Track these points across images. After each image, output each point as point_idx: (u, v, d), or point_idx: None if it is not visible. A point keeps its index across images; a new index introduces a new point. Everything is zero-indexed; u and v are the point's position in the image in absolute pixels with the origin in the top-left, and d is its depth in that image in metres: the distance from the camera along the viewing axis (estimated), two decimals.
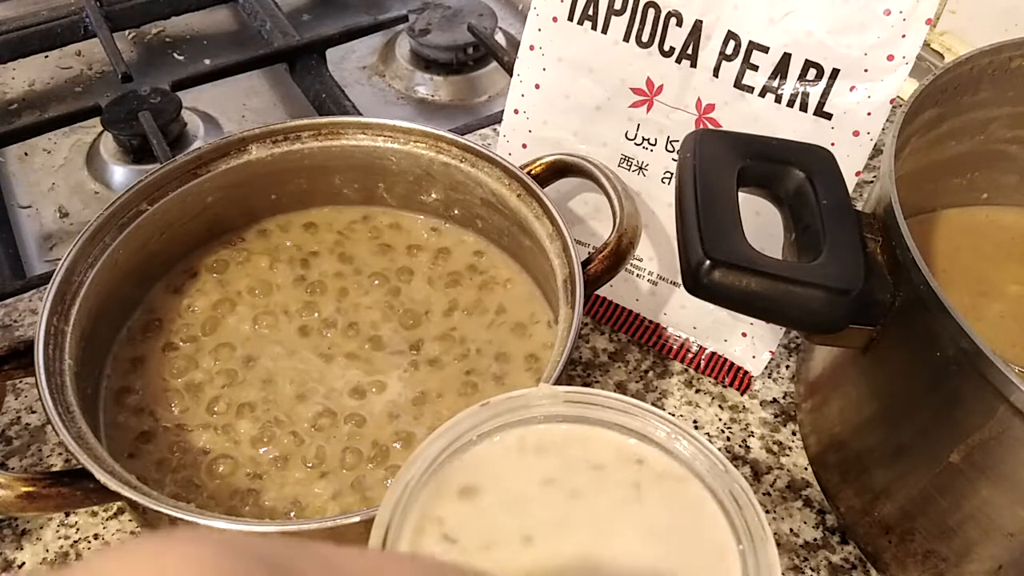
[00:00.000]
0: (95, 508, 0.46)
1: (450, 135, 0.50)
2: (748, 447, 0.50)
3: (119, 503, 0.41)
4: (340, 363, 0.47)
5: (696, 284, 0.36)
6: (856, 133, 0.44)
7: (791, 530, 0.46)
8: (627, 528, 0.29)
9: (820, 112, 0.44)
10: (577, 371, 0.53)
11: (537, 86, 0.50)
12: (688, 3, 0.45)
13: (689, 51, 0.46)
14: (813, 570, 0.45)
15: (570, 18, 0.48)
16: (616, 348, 0.54)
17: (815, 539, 0.46)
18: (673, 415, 0.51)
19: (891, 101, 0.43)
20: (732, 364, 0.52)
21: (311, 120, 0.51)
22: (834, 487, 0.45)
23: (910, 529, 0.40)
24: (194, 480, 0.42)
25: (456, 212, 0.53)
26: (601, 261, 0.45)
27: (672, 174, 0.49)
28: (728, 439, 0.50)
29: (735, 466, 0.48)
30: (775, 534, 0.46)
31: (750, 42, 0.44)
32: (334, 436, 0.44)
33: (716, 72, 0.46)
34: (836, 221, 0.37)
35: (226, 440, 0.44)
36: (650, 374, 0.53)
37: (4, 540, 0.45)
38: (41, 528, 0.45)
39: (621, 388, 0.52)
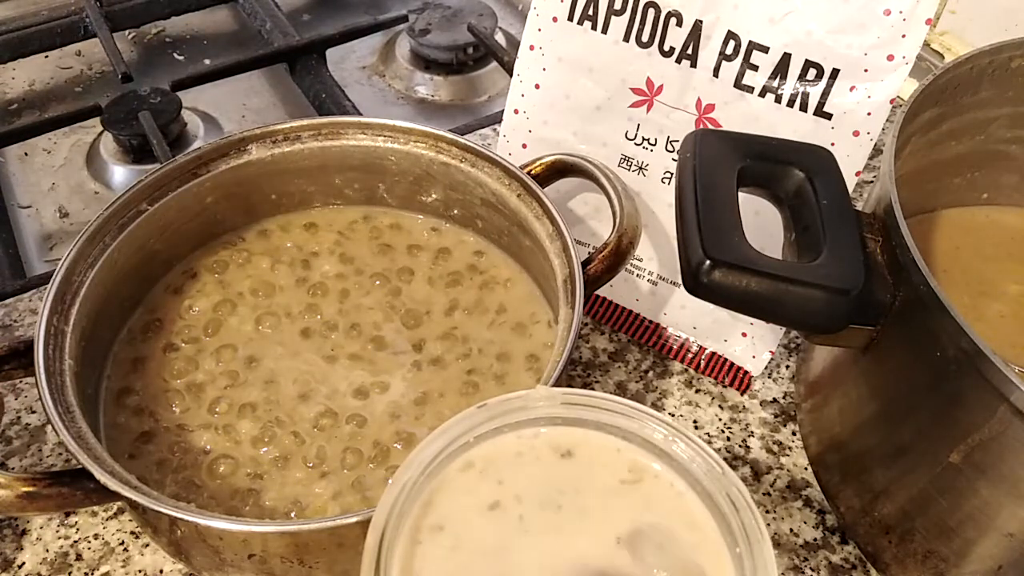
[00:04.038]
0: (95, 508, 0.46)
1: (450, 135, 0.50)
2: (748, 447, 0.50)
3: (119, 503, 0.41)
4: (344, 364, 0.47)
5: (696, 284, 0.36)
6: (856, 133, 0.44)
7: (791, 530, 0.46)
8: (619, 530, 0.29)
9: (820, 112, 0.44)
10: (577, 371, 0.53)
11: (537, 86, 0.50)
12: (688, 3, 0.45)
13: (689, 51, 0.46)
14: (813, 570, 0.45)
15: (570, 18, 0.48)
16: (616, 348, 0.54)
17: (815, 539, 0.46)
18: (673, 415, 0.51)
19: (891, 101, 0.43)
20: (732, 364, 0.52)
21: (311, 120, 0.51)
22: (834, 487, 0.45)
23: (910, 529, 0.40)
24: (195, 480, 0.42)
25: (456, 212, 0.53)
26: (601, 261, 0.44)
27: (672, 174, 0.49)
28: (728, 439, 0.50)
29: (735, 466, 0.49)
30: (775, 534, 0.46)
31: (750, 42, 0.44)
32: (335, 436, 0.44)
33: (716, 72, 0.46)
34: (836, 221, 0.37)
35: (227, 440, 0.44)
36: (650, 374, 0.53)
37: (4, 540, 0.45)
38: (41, 528, 0.45)
39: (621, 388, 0.52)
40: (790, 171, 0.39)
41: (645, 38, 0.47)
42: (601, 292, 0.54)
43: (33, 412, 0.50)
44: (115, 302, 0.47)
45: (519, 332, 0.48)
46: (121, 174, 0.68)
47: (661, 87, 0.48)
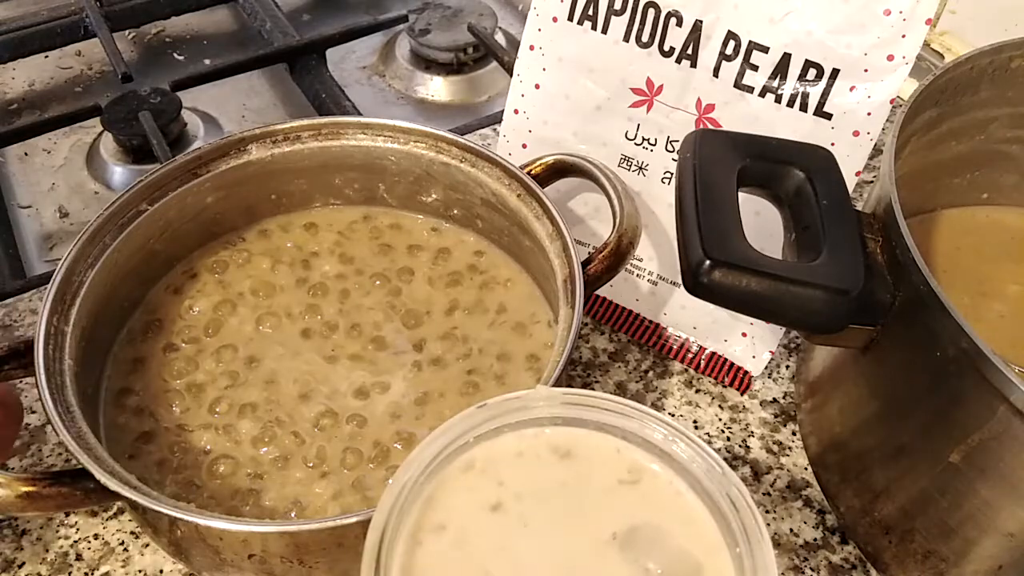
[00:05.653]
0: (95, 508, 0.46)
1: (450, 135, 0.50)
2: (748, 447, 0.50)
3: (119, 503, 0.41)
4: (344, 364, 0.47)
5: (696, 284, 0.36)
6: (856, 133, 0.44)
7: (791, 530, 0.46)
8: (616, 527, 0.29)
9: (820, 112, 0.44)
10: (577, 371, 0.53)
11: (537, 86, 0.50)
12: (688, 3, 0.45)
13: (689, 51, 0.46)
14: (813, 570, 0.45)
15: (570, 18, 0.48)
16: (616, 348, 0.54)
17: (815, 539, 0.46)
18: (673, 415, 0.51)
19: (891, 101, 0.43)
20: (732, 364, 0.52)
21: (311, 120, 0.51)
22: (834, 487, 0.45)
23: (910, 529, 0.40)
24: (195, 480, 0.42)
25: (456, 212, 0.53)
26: (601, 261, 0.44)
27: (672, 174, 0.49)
28: (728, 439, 0.50)
29: (735, 466, 0.49)
30: (775, 534, 0.46)
31: (750, 42, 0.44)
32: (335, 436, 0.44)
33: (716, 72, 0.46)
34: (836, 221, 0.37)
35: (227, 440, 0.44)
36: (650, 374, 0.53)
37: (4, 540, 0.45)
38: (41, 528, 0.45)
39: (621, 388, 0.52)
40: (790, 171, 0.39)
41: (645, 38, 0.47)
42: (601, 292, 0.54)
43: (33, 412, 0.50)
44: (115, 302, 0.47)
45: (519, 332, 0.48)
46: (121, 174, 0.68)
47: (661, 87, 0.48)
